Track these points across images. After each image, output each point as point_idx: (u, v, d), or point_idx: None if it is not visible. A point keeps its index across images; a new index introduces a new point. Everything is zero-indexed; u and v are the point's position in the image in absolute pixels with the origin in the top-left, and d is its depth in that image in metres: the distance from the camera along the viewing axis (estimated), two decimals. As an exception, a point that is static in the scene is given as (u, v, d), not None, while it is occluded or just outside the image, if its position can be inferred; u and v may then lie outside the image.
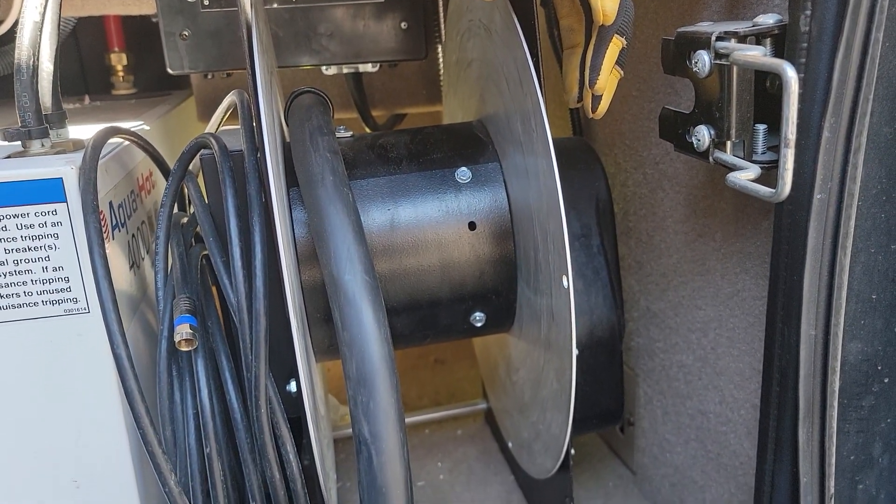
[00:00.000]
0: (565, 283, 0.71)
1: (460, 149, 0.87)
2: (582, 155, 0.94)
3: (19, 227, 0.68)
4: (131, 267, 0.85)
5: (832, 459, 0.63)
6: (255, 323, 0.67)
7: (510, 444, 1.08)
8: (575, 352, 0.79)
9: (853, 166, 0.55)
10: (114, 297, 0.65)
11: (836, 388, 0.60)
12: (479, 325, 0.89)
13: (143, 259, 0.91)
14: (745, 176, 0.57)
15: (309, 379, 0.70)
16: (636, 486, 1.10)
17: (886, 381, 0.67)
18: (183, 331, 0.69)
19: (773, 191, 0.54)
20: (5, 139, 0.75)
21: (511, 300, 0.88)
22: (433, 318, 0.88)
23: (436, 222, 0.83)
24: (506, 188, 0.84)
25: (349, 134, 0.91)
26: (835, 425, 0.62)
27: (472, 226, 0.84)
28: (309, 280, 0.82)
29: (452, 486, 1.15)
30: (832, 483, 0.64)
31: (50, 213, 0.69)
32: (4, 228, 0.68)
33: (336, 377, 1.51)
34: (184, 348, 0.70)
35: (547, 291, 0.77)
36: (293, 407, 0.76)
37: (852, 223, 0.56)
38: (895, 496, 0.71)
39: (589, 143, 1.00)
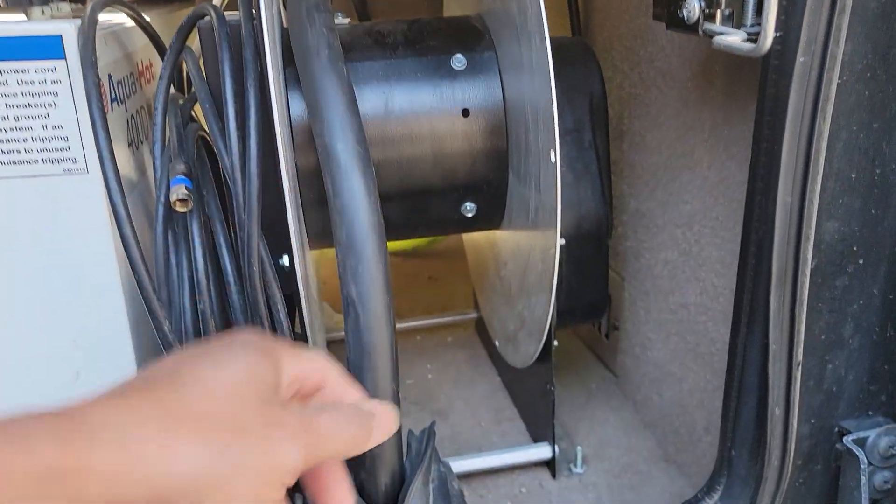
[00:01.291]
0: (553, 157, 0.72)
1: (457, 37, 0.87)
2: (578, 52, 0.95)
3: (20, 83, 0.70)
4: (129, 145, 0.87)
5: (801, 327, 0.65)
6: (249, 183, 0.68)
7: (497, 343, 1.11)
8: (560, 236, 0.81)
9: (837, 28, 0.55)
10: (112, 152, 0.67)
11: (809, 256, 0.62)
12: (469, 215, 0.90)
13: (141, 142, 0.92)
14: (732, 39, 0.58)
15: (298, 229, 0.71)
16: (618, 388, 1.13)
17: (861, 262, 0.69)
18: (178, 191, 0.71)
19: (755, 45, 0.56)
20: (8, 5, 0.76)
21: (502, 191, 0.89)
22: (424, 206, 0.90)
23: (429, 108, 0.84)
24: (500, 77, 0.85)
25: (347, 20, 0.91)
26: (806, 292, 0.64)
27: (465, 113, 0.85)
28: (304, 164, 0.84)
29: (440, 385, 1.19)
30: (800, 351, 0.66)
31: (50, 71, 0.70)
32: (5, 83, 0.69)
33: (331, 289, 1.53)
34: (179, 209, 0.71)
35: (535, 174, 0.79)
36: (286, 284, 0.78)
37: (833, 87, 0.57)
38: (863, 378, 0.74)
39: (586, 42, 1.00)
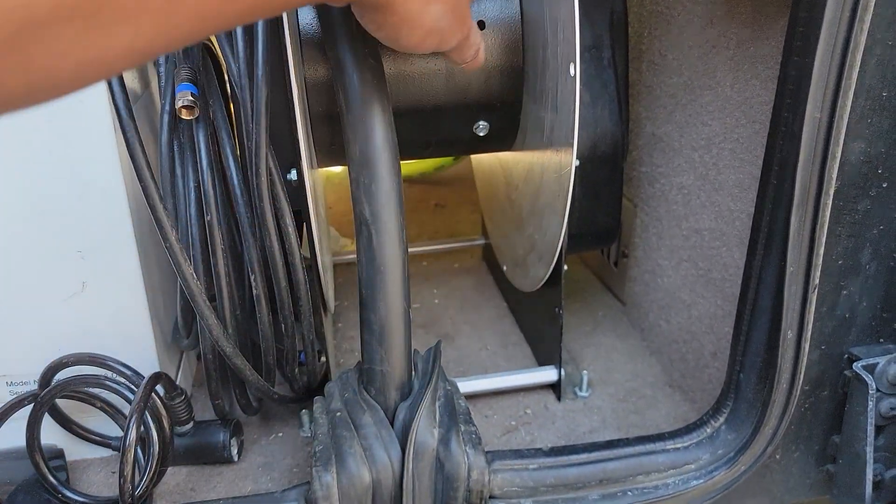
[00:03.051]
0: (572, 70, 0.69)
1: (474, -55, 0.83)
2: (599, -35, 0.90)
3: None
4: (132, 53, 0.84)
5: (821, 250, 0.64)
6: (256, 90, 0.66)
7: (505, 268, 1.10)
8: (575, 155, 0.78)
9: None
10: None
11: (834, 176, 0.61)
12: (482, 134, 0.88)
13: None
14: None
15: (307, 141, 0.69)
16: (625, 315, 1.13)
17: (885, 185, 0.67)
18: (184, 97, 0.68)
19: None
20: None
21: (516, 110, 0.86)
22: (436, 124, 0.87)
23: None
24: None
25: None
26: (828, 214, 0.62)
27: (480, 25, 0.81)
28: (312, 76, 0.81)
29: (446, 309, 1.19)
30: (818, 274, 0.65)
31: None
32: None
33: (337, 214, 1.52)
34: (185, 116, 0.69)
35: (552, 90, 0.76)
36: (294, 200, 0.76)
37: (873, -6, 0.54)
38: (877, 304, 0.73)
39: (608, -45, 0.96)
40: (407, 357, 0.70)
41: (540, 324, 1.00)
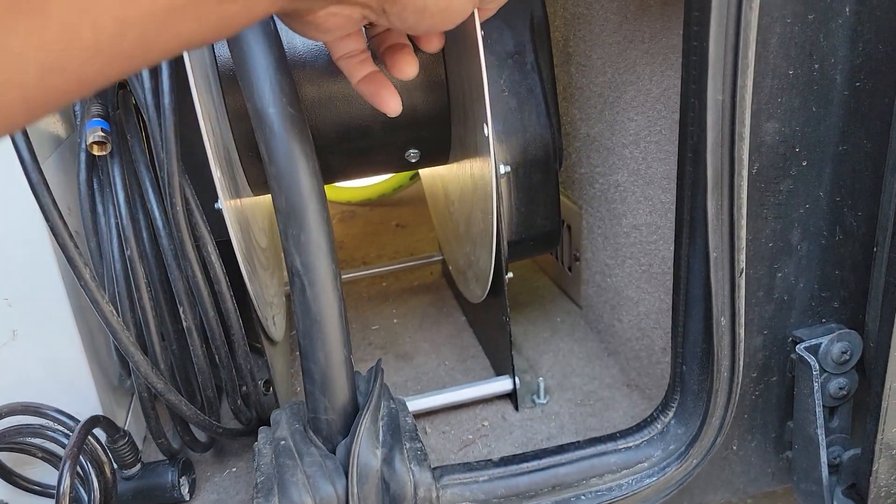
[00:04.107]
0: (486, 131, 0.70)
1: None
2: (517, -28, 0.91)
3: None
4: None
5: (742, 233, 0.63)
6: (164, 119, 0.66)
7: (451, 268, 1.10)
8: (505, 169, 0.78)
9: None
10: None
11: (745, 157, 0.60)
12: (414, 161, 0.88)
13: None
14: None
15: (224, 167, 0.69)
16: (582, 318, 1.12)
17: (805, 164, 0.66)
18: (94, 133, 0.68)
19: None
20: None
21: (445, 136, 0.87)
22: (367, 156, 0.88)
23: None
24: None
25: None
26: (744, 196, 0.62)
27: None
28: (234, 105, 0.80)
29: (405, 328, 1.18)
30: (742, 258, 0.64)
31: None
32: None
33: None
34: (96, 152, 0.69)
35: (472, 132, 0.76)
36: (223, 229, 0.76)
37: (756, -28, 0.54)
38: (814, 284, 0.72)
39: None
40: (352, 403, 0.69)
41: (493, 334, 1.00)
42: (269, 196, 1.06)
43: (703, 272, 0.67)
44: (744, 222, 0.63)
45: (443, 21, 0.46)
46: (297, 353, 1.13)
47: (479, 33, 0.66)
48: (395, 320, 1.21)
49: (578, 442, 0.76)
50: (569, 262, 1.14)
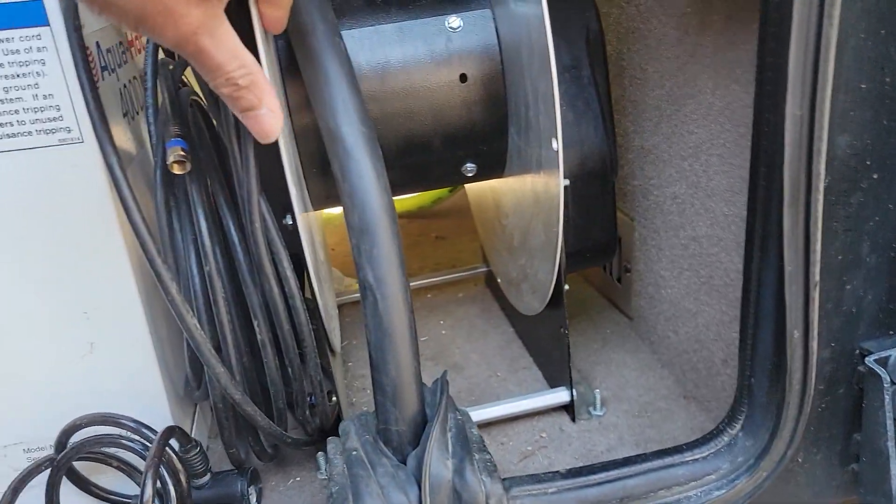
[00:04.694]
0: (555, 145, 0.71)
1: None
2: (572, -12, 0.92)
3: (5, 53, 0.68)
4: (125, 115, 0.85)
5: (816, 246, 0.64)
6: (244, 139, 0.67)
7: (499, 280, 1.11)
8: (565, 182, 0.79)
9: (840, -72, 0.53)
10: (103, 114, 0.66)
11: (822, 171, 0.61)
12: (470, 175, 0.90)
13: (137, 113, 0.91)
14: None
15: (297, 184, 0.70)
16: (633, 330, 1.13)
17: (875, 176, 0.67)
18: (175, 152, 0.70)
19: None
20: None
21: (502, 150, 0.88)
22: (424, 171, 0.89)
23: (426, 75, 0.82)
24: (497, 37, 0.83)
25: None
26: (820, 209, 0.62)
27: (463, 78, 0.83)
28: (301, 123, 0.82)
29: (454, 339, 1.19)
30: (817, 271, 0.65)
31: (34, 38, 0.68)
32: (-9, 54, 0.68)
33: (340, 255, 1.53)
34: (177, 171, 0.70)
35: (537, 146, 0.78)
36: (291, 244, 0.77)
37: (839, -10, 0.55)
38: (882, 297, 0.72)
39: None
40: (422, 414, 0.70)
41: (547, 346, 1.00)
42: (325, 216, 1.07)
43: (774, 285, 0.68)
44: (819, 236, 0.63)
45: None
46: (349, 363, 1.15)
47: (551, 48, 0.67)
48: (443, 331, 1.22)
49: (645, 454, 0.77)
50: (618, 274, 1.14)
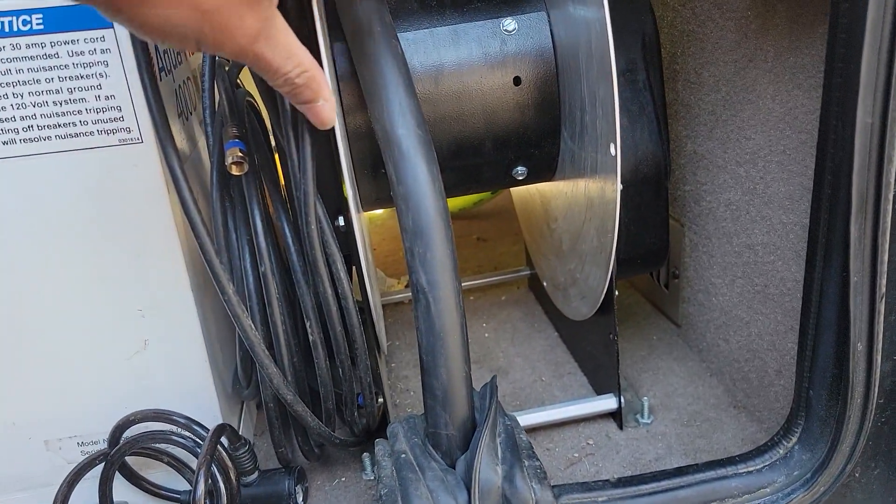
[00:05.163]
0: (612, 150, 0.70)
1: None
2: (627, -9, 0.91)
3: (70, 55, 0.70)
4: (179, 115, 0.87)
5: (885, 257, 0.62)
6: (302, 141, 0.68)
7: (545, 284, 1.10)
8: (620, 187, 0.78)
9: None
10: (164, 115, 0.66)
11: (892, 179, 0.59)
12: (520, 178, 0.89)
13: (190, 114, 0.92)
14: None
15: (354, 186, 0.70)
16: (680, 337, 1.11)
17: (945, 185, 0.65)
18: (233, 153, 0.70)
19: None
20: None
21: (554, 154, 0.87)
22: (475, 174, 0.89)
23: (480, 77, 0.81)
24: (553, 40, 0.82)
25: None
26: (888, 219, 0.60)
27: (517, 81, 0.82)
28: (351, 125, 0.82)
29: (498, 343, 1.18)
30: (884, 282, 0.63)
31: (98, 40, 0.70)
32: (56, 56, 0.69)
33: (381, 255, 1.54)
34: (234, 172, 0.71)
35: (592, 151, 0.77)
36: (342, 245, 0.78)
37: (916, -5, 0.53)
38: (948, 308, 0.70)
39: (635, -20, 0.96)
40: (471, 419, 0.70)
41: (594, 351, 0.99)
42: (371, 213, 1.07)
43: (838, 296, 0.66)
44: (888, 246, 0.62)
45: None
46: (392, 364, 1.15)
47: (612, 53, 0.67)
48: (486, 334, 1.22)
49: (697, 465, 0.75)
50: (666, 279, 1.13)
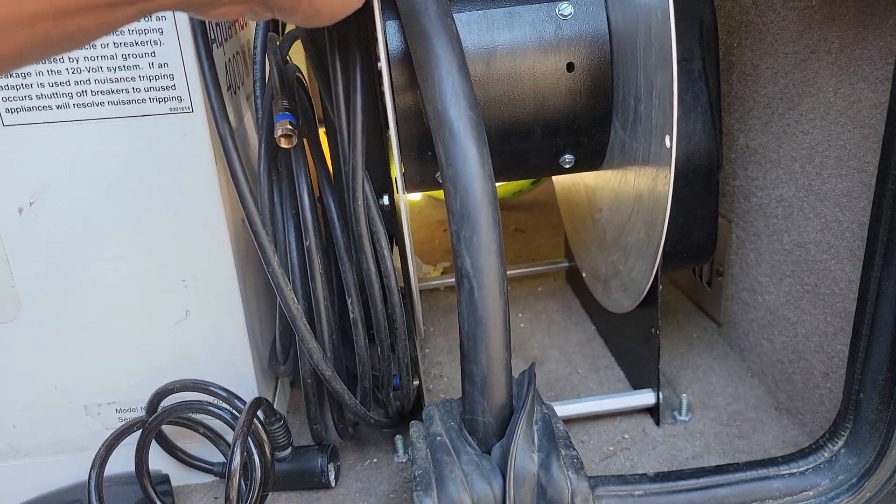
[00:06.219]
0: (668, 143, 0.68)
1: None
2: (685, -23, 0.89)
3: (126, 22, 0.70)
4: (229, 88, 0.87)
5: (949, 257, 0.60)
6: (353, 117, 0.67)
7: (584, 275, 1.08)
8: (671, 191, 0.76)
9: None
10: (218, 85, 0.66)
11: (963, 177, 0.57)
12: (567, 166, 0.88)
13: (238, 88, 0.93)
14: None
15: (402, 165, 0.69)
16: (721, 336, 1.09)
17: None
18: (283, 126, 0.70)
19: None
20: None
21: (603, 143, 0.86)
22: (522, 160, 0.87)
23: (533, 62, 0.80)
24: (609, 26, 0.80)
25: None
26: (957, 218, 0.58)
27: (570, 67, 0.81)
28: (400, 104, 0.82)
29: (533, 334, 1.17)
30: (946, 284, 0.61)
31: (154, 8, 0.70)
32: (113, 22, 0.70)
33: (417, 242, 1.53)
34: (283, 145, 0.71)
35: (645, 142, 0.75)
36: (387, 225, 0.77)
37: None
38: None
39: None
40: (509, 407, 0.69)
41: (633, 346, 0.98)
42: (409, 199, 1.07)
43: (895, 296, 0.64)
44: (953, 246, 0.59)
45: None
46: (426, 350, 1.14)
47: (674, 43, 0.65)
48: (522, 325, 1.21)
49: (738, 464, 0.73)
50: (708, 277, 1.10)
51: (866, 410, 0.70)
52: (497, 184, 1.09)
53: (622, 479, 0.73)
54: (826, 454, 0.73)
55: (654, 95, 0.71)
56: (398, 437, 0.89)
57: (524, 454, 0.67)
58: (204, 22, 0.67)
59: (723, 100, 0.97)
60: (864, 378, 0.69)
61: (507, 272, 1.33)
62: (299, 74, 0.85)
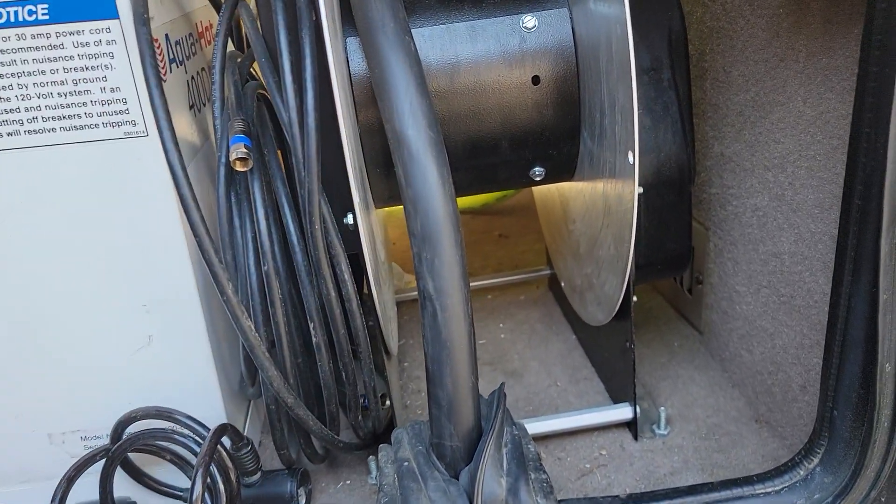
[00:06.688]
0: (630, 158, 0.67)
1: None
2: (654, -15, 0.87)
3: (76, 45, 0.68)
4: (191, 107, 0.85)
5: (917, 274, 0.58)
6: (307, 137, 0.66)
7: (563, 284, 1.07)
8: (639, 190, 0.75)
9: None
10: (167, 110, 0.65)
11: (928, 193, 0.55)
12: (538, 178, 0.86)
13: (203, 105, 0.91)
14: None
15: (360, 184, 0.68)
16: (702, 345, 1.07)
17: None
18: (237, 150, 0.69)
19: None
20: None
21: (573, 155, 0.84)
22: (492, 171, 0.86)
23: (497, 75, 0.79)
24: (574, 38, 0.79)
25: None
26: (923, 235, 0.57)
27: (535, 80, 0.79)
28: (366, 120, 0.80)
29: (514, 344, 1.16)
30: (916, 301, 0.59)
31: (104, 31, 0.68)
32: (62, 46, 0.68)
33: (400, 250, 1.52)
34: (239, 168, 0.69)
35: (611, 154, 0.73)
36: (351, 244, 0.76)
37: (960, -6, 0.49)
38: None
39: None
40: (477, 430, 0.67)
41: (611, 358, 0.96)
42: (387, 209, 1.07)
43: (866, 312, 0.62)
44: (921, 263, 0.58)
45: None
46: (405, 363, 1.13)
47: (632, 58, 0.63)
48: (502, 335, 1.19)
49: (712, 483, 0.72)
50: (689, 285, 1.09)
51: (841, 428, 0.68)
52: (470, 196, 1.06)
53: (593, 502, 0.72)
54: (802, 472, 0.71)
55: (617, 110, 0.69)
56: (371, 458, 0.88)
57: (492, 479, 0.65)
58: (153, 45, 0.65)
59: (697, 107, 0.96)
60: (837, 395, 0.68)
61: (490, 281, 1.33)
62: (264, 91, 0.83)
